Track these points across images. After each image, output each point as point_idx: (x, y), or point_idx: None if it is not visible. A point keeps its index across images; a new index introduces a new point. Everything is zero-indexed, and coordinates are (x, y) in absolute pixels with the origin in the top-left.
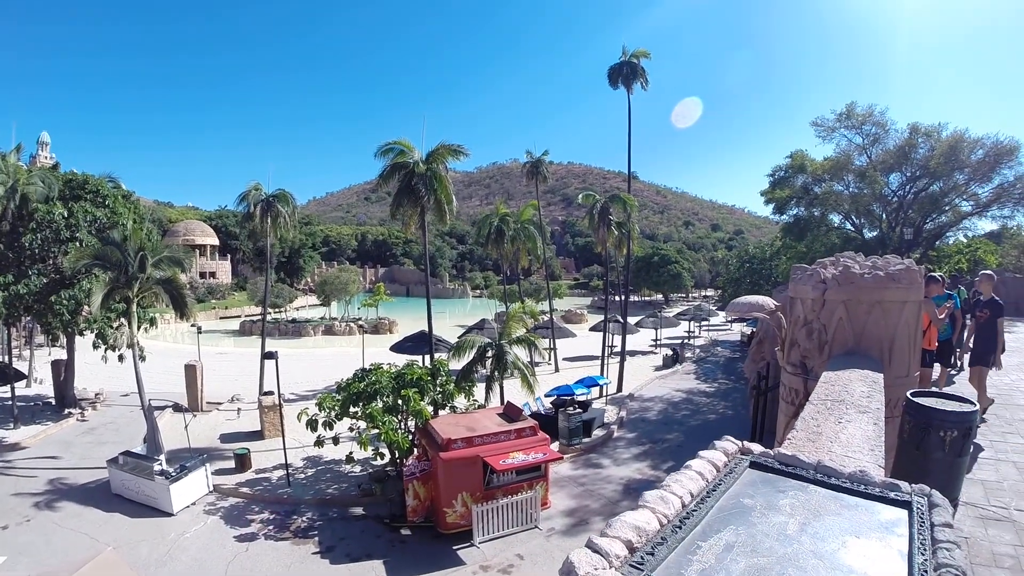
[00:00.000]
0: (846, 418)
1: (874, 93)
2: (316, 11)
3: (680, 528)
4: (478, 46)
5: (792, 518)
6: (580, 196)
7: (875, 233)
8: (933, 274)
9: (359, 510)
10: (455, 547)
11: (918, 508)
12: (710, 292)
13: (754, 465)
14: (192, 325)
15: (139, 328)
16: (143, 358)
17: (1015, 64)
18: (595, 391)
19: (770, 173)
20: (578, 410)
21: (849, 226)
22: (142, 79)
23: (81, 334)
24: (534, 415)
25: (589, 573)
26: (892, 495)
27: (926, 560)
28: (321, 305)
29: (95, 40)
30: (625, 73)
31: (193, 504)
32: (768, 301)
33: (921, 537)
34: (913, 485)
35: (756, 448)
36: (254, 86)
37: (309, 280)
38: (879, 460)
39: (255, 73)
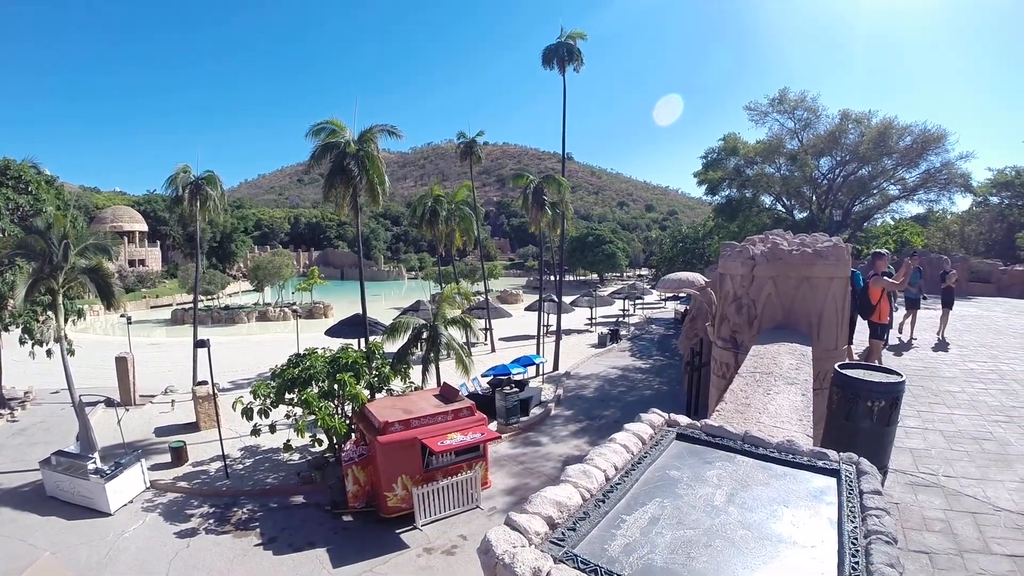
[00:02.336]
0: (775, 390)
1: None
2: None
3: (603, 502)
4: (415, 29)
5: (719, 489)
6: (513, 177)
7: (805, 214)
8: (879, 251)
9: (300, 499)
10: (398, 531)
11: (847, 476)
12: (644, 271)
13: (681, 437)
14: (122, 316)
15: (66, 321)
16: (72, 352)
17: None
18: (531, 370)
19: (703, 155)
20: (515, 389)
21: (780, 207)
22: (68, 64)
23: (6, 329)
24: (471, 396)
25: (507, 551)
26: (820, 464)
27: (856, 527)
28: (255, 291)
29: (11, 26)
30: (561, 54)
31: (131, 502)
32: (699, 278)
33: (850, 504)
34: (841, 453)
35: (683, 420)
36: (185, 70)
37: (242, 265)
38: (808, 430)
39: (186, 57)
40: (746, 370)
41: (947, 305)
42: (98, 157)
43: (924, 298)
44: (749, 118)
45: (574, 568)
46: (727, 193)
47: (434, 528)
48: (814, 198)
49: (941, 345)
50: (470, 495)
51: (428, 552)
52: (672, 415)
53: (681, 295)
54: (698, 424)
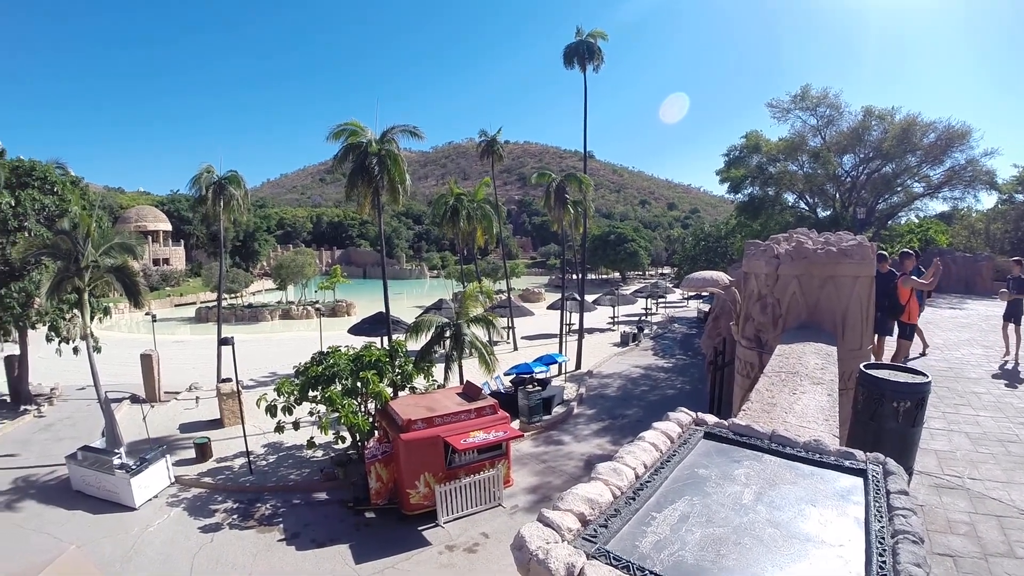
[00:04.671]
0: (800, 389)
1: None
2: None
3: (634, 499)
4: (435, 30)
5: (747, 487)
6: (535, 175)
7: (828, 212)
8: (907, 250)
9: (323, 495)
10: (420, 528)
11: (873, 476)
12: (666, 270)
13: (708, 436)
14: (147, 313)
15: (92, 319)
16: (98, 349)
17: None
18: (554, 369)
19: (725, 153)
20: (537, 388)
21: (803, 205)
22: (93, 70)
23: (33, 327)
24: (494, 394)
25: (540, 547)
26: (847, 463)
27: (883, 527)
28: (278, 289)
29: (45, 35)
30: (581, 53)
31: (155, 497)
32: (723, 276)
33: (877, 504)
34: (868, 454)
35: (710, 419)
36: (208, 72)
37: (265, 264)
38: (833, 430)
39: (208, 60)
40: (771, 369)
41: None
42: (122, 158)
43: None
44: (771, 115)
45: (607, 564)
46: (750, 191)
47: (456, 526)
48: (837, 196)
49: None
50: (492, 493)
51: (450, 549)
52: (700, 414)
53: (704, 294)
54: (726, 423)
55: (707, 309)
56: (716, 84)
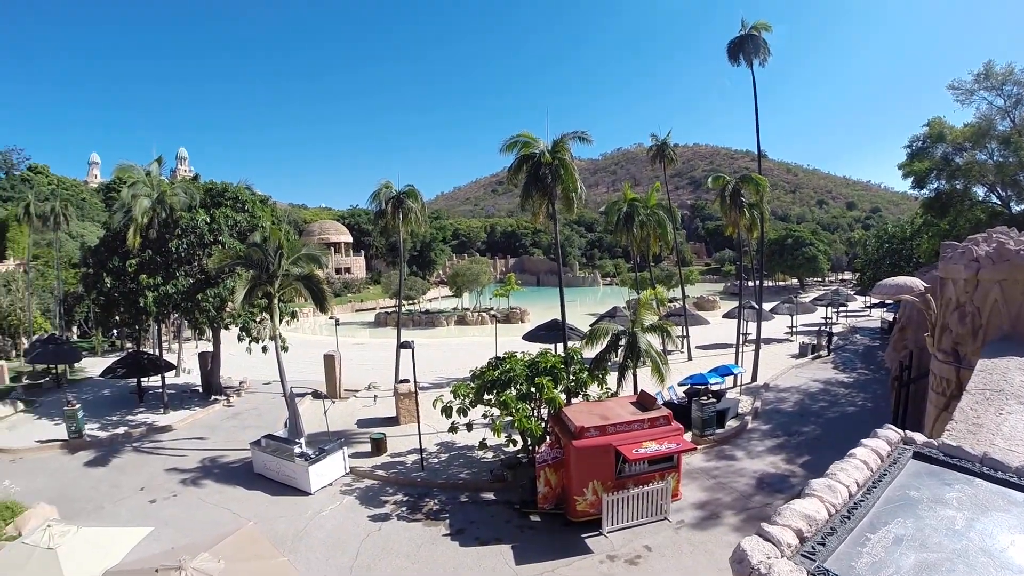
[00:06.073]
0: (1007, 409)
1: None
2: (437, 31)
3: (848, 519)
4: (603, 38)
5: (959, 512)
6: (710, 179)
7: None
8: None
9: (490, 495)
10: (583, 535)
11: None
12: (847, 275)
13: (917, 456)
14: (330, 318)
15: (281, 321)
16: (285, 349)
17: None
18: (729, 380)
19: (907, 144)
20: (712, 400)
21: (995, 199)
22: (278, 99)
23: (226, 328)
24: (667, 404)
25: (762, 562)
26: None
27: None
28: (453, 296)
29: (243, 71)
30: (746, 47)
31: (330, 485)
32: (917, 283)
33: None
34: None
35: (919, 438)
36: (387, 96)
37: (441, 272)
38: None
39: (390, 86)
40: (974, 387)
41: None
42: (305, 175)
43: None
44: (954, 98)
45: None
46: (935, 185)
47: (619, 536)
48: None
49: None
50: (659, 506)
51: (611, 559)
52: (907, 432)
53: (888, 302)
54: (935, 443)
55: (892, 318)
56: (896, 67)
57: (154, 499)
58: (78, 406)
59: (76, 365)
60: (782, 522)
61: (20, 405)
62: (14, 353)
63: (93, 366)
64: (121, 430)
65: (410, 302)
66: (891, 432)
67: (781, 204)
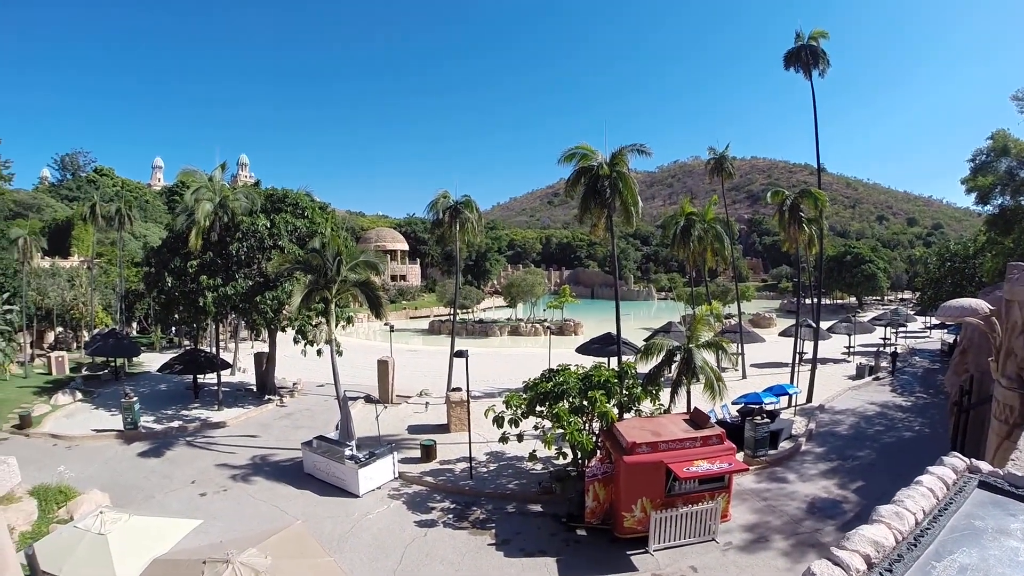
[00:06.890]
0: None
1: None
2: (488, 32)
3: (915, 546)
4: (655, 46)
5: None
6: (768, 194)
7: None
8: None
9: (537, 507)
10: (629, 552)
11: None
12: (907, 295)
13: (983, 485)
14: (385, 324)
15: (336, 325)
16: (340, 353)
17: None
18: (783, 400)
19: (971, 158)
20: (766, 420)
21: None
22: (343, 107)
23: (283, 330)
24: (719, 422)
25: None
26: None
27: None
28: (507, 306)
29: (317, 95)
30: (804, 58)
31: (378, 488)
32: (983, 305)
33: None
34: None
35: (984, 467)
36: (439, 103)
37: (495, 282)
38: None
39: (441, 91)
40: None
41: None
42: (362, 183)
43: None
44: (1018, 109)
45: None
46: (999, 201)
47: (665, 555)
48: None
49: None
50: (708, 526)
51: None
52: (973, 460)
53: (949, 323)
54: (1001, 473)
55: (952, 340)
56: (960, 76)
57: (204, 492)
58: (135, 399)
59: (134, 359)
60: (851, 547)
61: (79, 395)
62: (75, 345)
63: (151, 361)
64: (175, 424)
65: (464, 311)
66: (957, 460)
67: (840, 219)
